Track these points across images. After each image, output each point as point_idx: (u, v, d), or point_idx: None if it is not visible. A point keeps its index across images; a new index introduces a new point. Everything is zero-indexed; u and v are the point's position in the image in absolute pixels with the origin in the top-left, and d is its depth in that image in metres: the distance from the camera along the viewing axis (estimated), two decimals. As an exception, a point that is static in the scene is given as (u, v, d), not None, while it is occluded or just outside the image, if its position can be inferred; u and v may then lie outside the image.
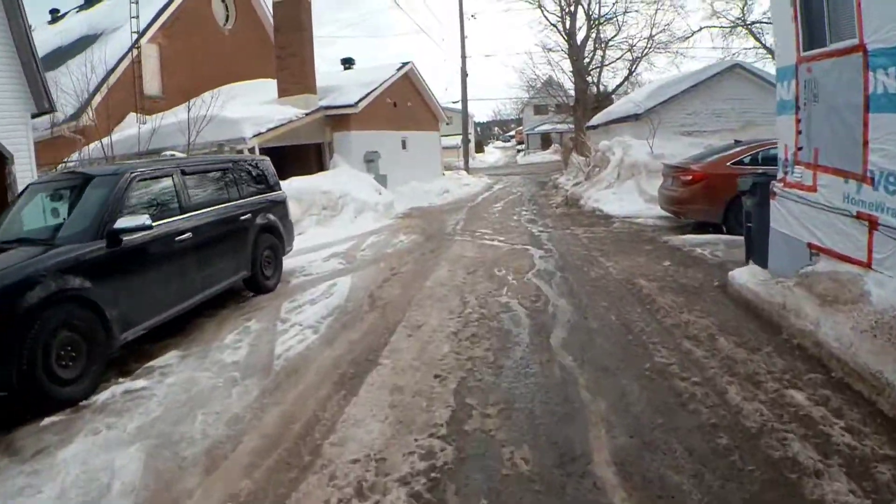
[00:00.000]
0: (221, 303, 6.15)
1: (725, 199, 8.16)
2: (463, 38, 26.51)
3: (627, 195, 10.80)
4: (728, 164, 8.44)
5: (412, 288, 6.39)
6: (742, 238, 7.81)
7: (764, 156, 8.50)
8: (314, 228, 11.82)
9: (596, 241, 8.29)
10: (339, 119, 15.35)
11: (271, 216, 7.22)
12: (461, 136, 46.07)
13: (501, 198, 16.52)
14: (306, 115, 14.36)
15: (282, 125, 13.20)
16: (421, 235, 10.29)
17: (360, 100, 15.13)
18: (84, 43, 17.56)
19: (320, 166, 15.31)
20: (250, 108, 14.12)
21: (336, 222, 12.42)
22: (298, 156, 15.62)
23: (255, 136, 12.31)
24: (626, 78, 20.66)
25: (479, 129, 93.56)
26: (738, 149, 8.72)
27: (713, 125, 12.41)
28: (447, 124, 47.16)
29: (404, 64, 19.30)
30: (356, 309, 5.79)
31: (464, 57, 26.70)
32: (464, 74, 26.73)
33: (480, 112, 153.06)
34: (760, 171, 6.70)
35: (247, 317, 5.79)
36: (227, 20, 20.02)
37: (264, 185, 7.45)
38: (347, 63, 21.03)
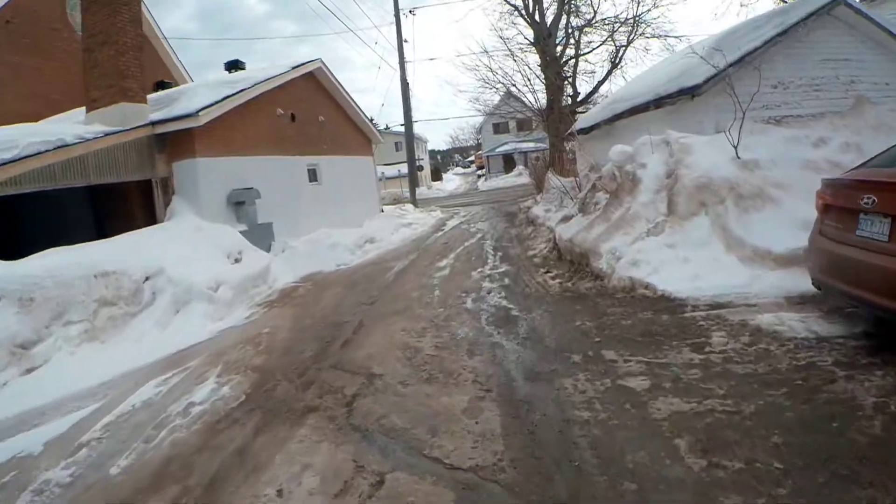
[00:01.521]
0: None
1: None
2: (400, 40, 21.08)
3: (699, 249, 5.09)
4: None
5: None
6: None
7: None
8: (72, 353, 5.97)
9: (745, 479, 2.42)
10: (178, 140, 9.40)
11: None
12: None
13: (453, 246, 10.71)
14: (105, 135, 8.37)
15: (34, 155, 7.15)
16: (251, 378, 4.40)
17: (206, 108, 9.22)
18: None
19: (152, 216, 9.28)
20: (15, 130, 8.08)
21: (131, 330, 6.52)
22: (121, 203, 9.62)
23: (-50, 174, 6.25)
24: (611, 71, 15.46)
25: (439, 156, 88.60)
26: None
27: (811, 104, 6.97)
28: (396, 150, 41.97)
29: (308, 62, 13.66)
30: None
31: (402, 63, 21.25)
32: (404, 84, 21.22)
33: (437, 139, 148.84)
34: None
35: None
36: (89, 26, 14.14)
37: None
38: (234, 67, 15.19)
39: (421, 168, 39.12)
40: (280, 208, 11.27)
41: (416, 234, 13.71)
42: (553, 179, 12.33)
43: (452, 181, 51.69)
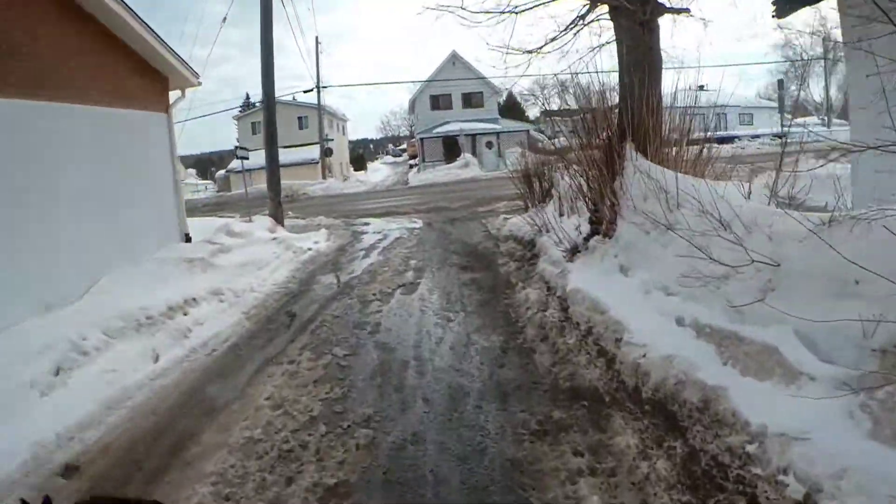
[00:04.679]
0: None
1: None
2: None
3: None
4: None
5: None
6: None
7: None
8: None
9: None
10: None
11: None
12: (317, 146, 30.07)
13: None
14: None
15: None
16: None
17: None
18: None
19: None
20: None
21: None
22: None
23: None
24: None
25: (371, 145, 76.41)
26: None
27: None
28: (300, 128, 31.26)
29: None
30: None
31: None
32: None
33: (369, 126, 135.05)
34: None
35: None
36: None
37: None
38: None
39: (329, 152, 28.51)
40: None
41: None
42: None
43: (379, 171, 41.47)
